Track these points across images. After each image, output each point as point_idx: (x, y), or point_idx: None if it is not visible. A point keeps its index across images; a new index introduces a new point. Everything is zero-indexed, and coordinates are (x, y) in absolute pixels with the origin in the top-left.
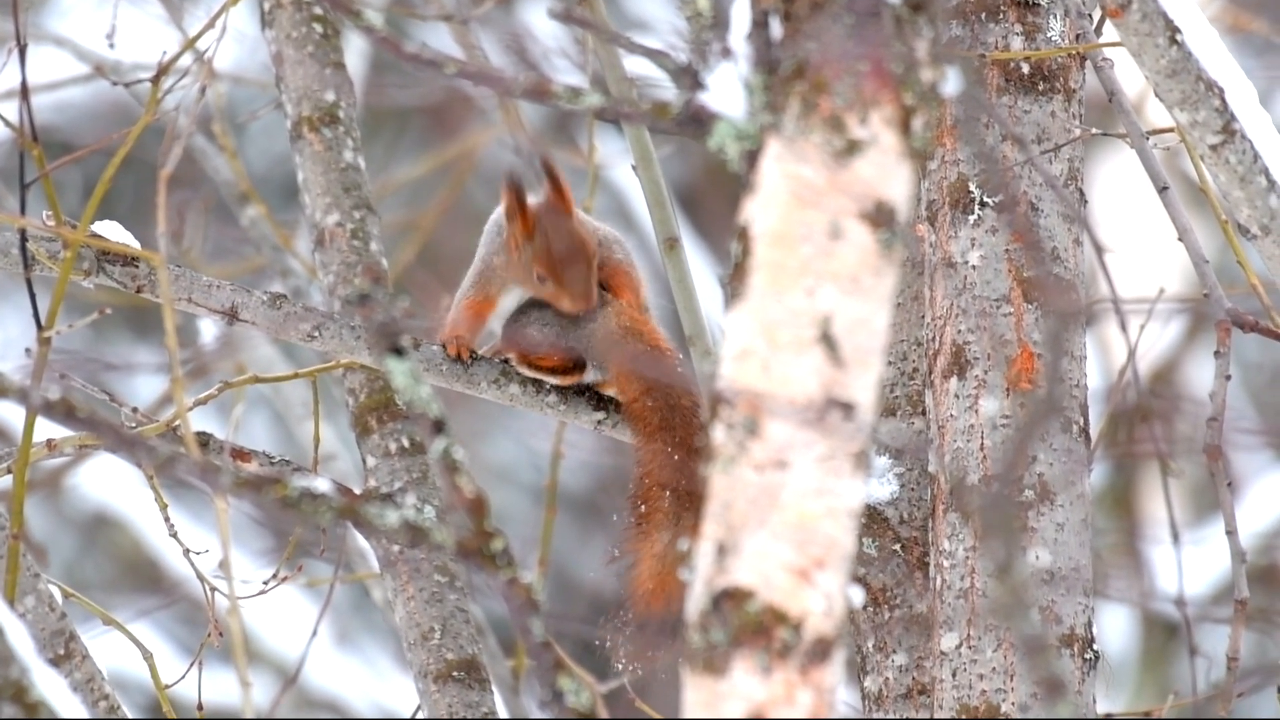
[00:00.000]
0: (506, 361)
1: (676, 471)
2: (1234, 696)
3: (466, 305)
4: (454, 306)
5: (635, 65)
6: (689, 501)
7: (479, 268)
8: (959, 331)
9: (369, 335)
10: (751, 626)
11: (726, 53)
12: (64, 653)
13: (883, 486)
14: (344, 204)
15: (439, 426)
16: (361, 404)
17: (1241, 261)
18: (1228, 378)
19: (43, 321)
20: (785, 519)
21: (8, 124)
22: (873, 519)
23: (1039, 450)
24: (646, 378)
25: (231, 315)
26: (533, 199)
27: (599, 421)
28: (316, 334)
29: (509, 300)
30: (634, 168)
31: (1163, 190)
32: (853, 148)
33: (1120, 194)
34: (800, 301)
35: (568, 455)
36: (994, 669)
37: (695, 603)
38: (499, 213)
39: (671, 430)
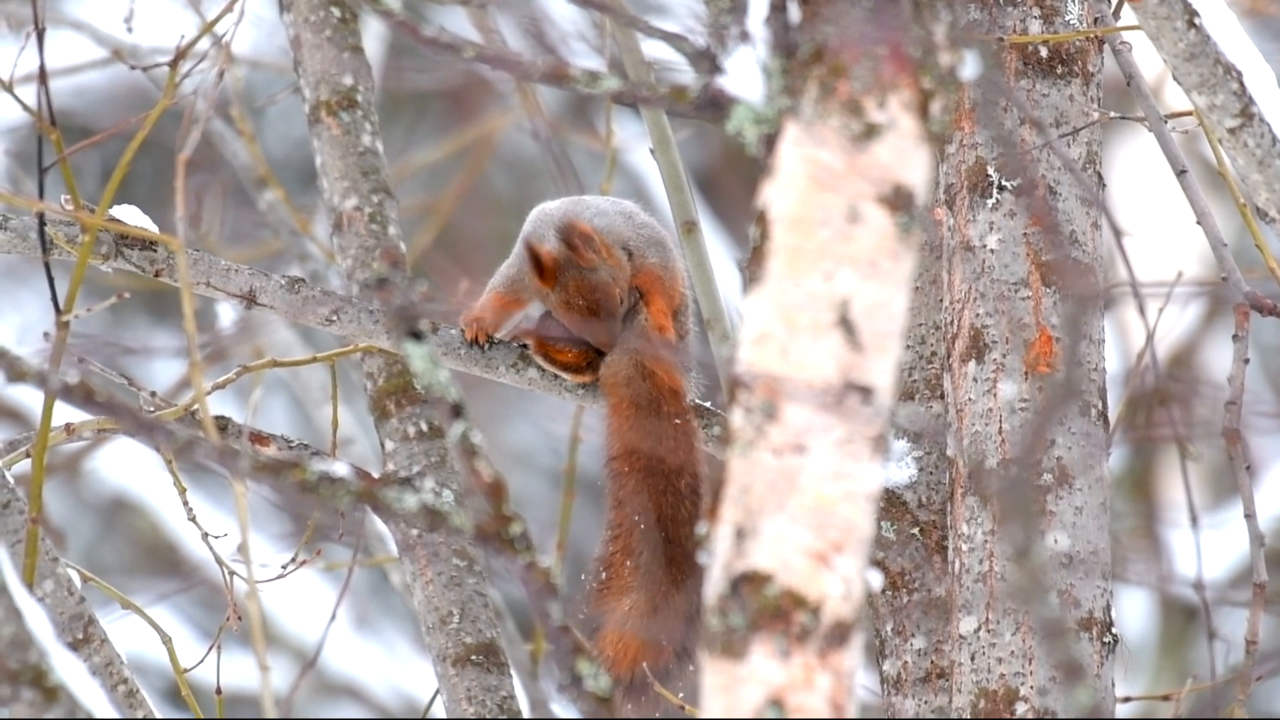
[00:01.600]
0: (525, 347)
1: (643, 540)
2: (1253, 680)
3: (496, 297)
4: (485, 291)
5: (653, 49)
6: (653, 571)
7: (513, 273)
8: (977, 315)
9: (387, 319)
10: (770, 610)
11: (744, 36)
12: (83, 637)
13: (901, 470)
14: (362, 188)
15: (457, 410)
16: (380, 388)
17: (1260, 245)
18: (1246, 361)
19: (61, 305)
20: (803, 503)
21: (26, 108)
22: (891, 503)
23: (1057, 434)
24: (634, 440)
25: (250, 299)
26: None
27: None
28: (335, 318)
29: (538, 307)
30: (652, 151)
31: (1181, 174)
32: (871, 131)
33: (1138, 177)
34: (818, 285)
35: (586, 439)
36: (1012, 652)
37: (713, 587)
38: (537, 214)
39: (645, 495)
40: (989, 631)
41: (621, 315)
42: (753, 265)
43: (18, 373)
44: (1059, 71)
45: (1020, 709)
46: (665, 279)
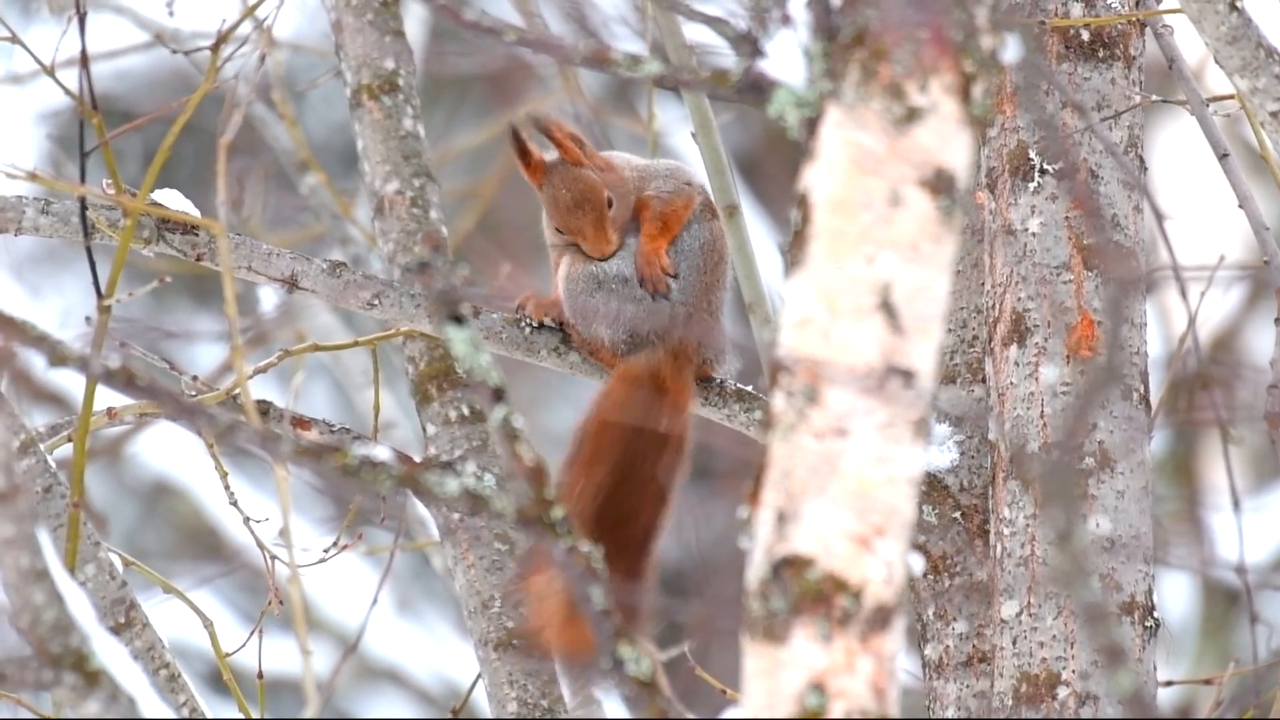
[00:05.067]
0: (565, 333)
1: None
2: None
3: (553, 278)
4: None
5: (695, 32)
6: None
7: (550, 244)
8: (1019, 299)
9: (429, 303)
10: (812, 594)
11: (786, 20)
12: (124, 621)
13: (943, 454)
14: (403, 172)
15: (499, 394)
16: (421, 372)
17: None
18: None
19: (103, 290)
20: (845, 487)
21: (68, 92)
22: (933, 487)
23: (1099, 418)
24: (609, 439)
25: (291, 283)
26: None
27: None
28: (376, 302)
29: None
30: (694, 135)
31: (1223, 157)
32: (912, 115)
33: (1180, 161)
34: (860, 269)
35: None
36: (1054, 637)
37: (755, 570)
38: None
39: (594, 485)
40: (1030, 615)
41: (619, 228)
42: (794, 249)
43: (59, 357)
44: (1100, 55)
45: (1062, 693)
46: (656, 204)
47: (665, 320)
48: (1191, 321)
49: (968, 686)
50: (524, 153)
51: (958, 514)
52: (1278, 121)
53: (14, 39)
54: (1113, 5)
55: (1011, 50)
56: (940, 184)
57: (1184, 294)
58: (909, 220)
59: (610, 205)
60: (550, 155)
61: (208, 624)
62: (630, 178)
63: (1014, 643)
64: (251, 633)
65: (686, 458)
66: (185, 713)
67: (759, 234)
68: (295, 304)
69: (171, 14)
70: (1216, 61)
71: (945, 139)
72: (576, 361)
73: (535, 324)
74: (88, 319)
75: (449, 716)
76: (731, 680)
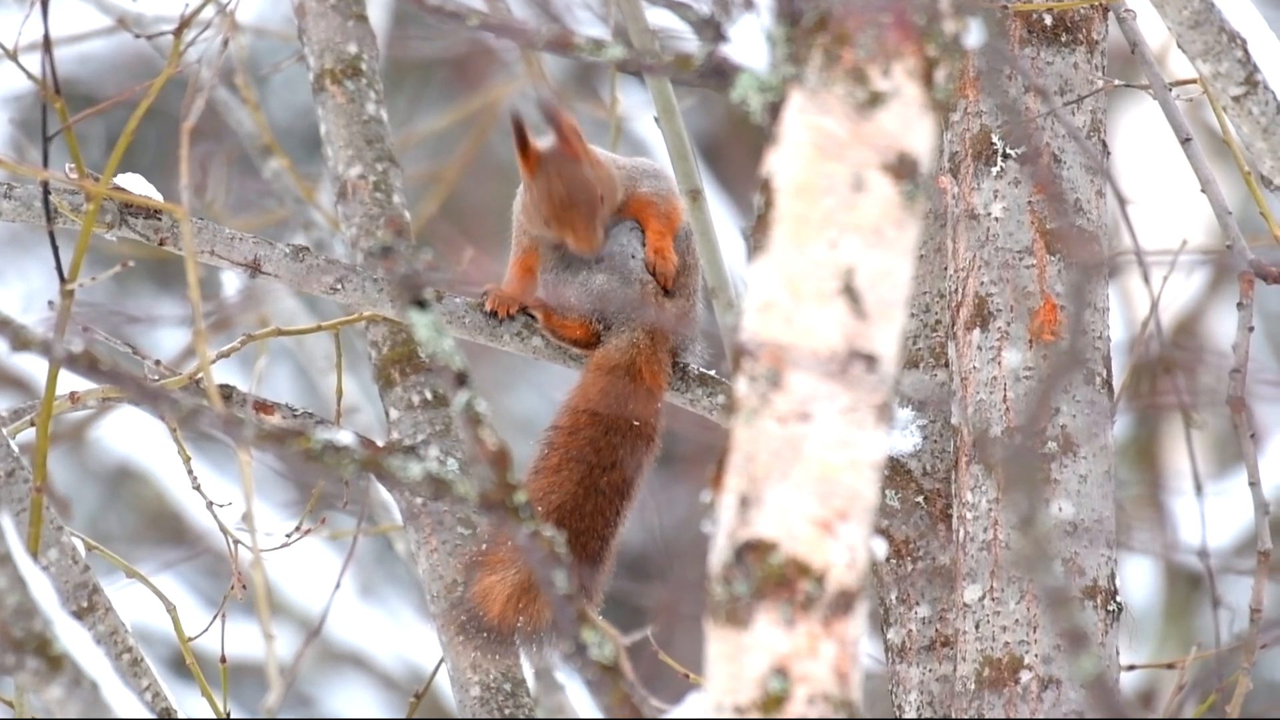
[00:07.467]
0: (533, 317)
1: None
2: (1257, 648)
3: (513, 264)
4: (508, 269)
5: (658, 17)
6: None
7: (513, 224)
8: (981, 283)
9: (392, 288)
10: (774, 579)
11: (749, 4)
12: (87, 605)
13: (906, 438)
14: (367, 156)
15: (462, 379)
16: (384, 356)
17: (1264, 213)
18: (1250, 329)
19: (65, 274)
20: (808, 471)
21: (30, 76)
22: (896, 471)
23: (1062, 402)
24: (584, 422)
25: (254, 268)
26: (546, 142)
27: None
28: (339, 286)
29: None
30: (656, 120)
31: (1185, 141)
32: (875, 99)
33: (1143, 145)
34: (823, 253)
35: None
36: (1017, 621)
37: (718, 555)
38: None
39: (568, 475)
40: (993, 600)
41: (603, 224)
42: (757, 233)
43: (22, 341)
44: (1063, 39)
45: (1024, 677)
46: (660, 204)
47: (647, 305)
48: (1154, 306)
49: (930, 670)
50: (524, 142)
51: (921, 498)
52: (1240, 106)
53: None
54: None
55: (974, 35)
56: (903, 169)
57: (1146, 278)
58: (872, 205)
59: (602, 202)
60: (544, 145)
61: (170, 608)
62: (618, 175)
63: (977, 627)
64: (214, 617)
65: (655, 447)
66: (148, 697)
67: (722, 219)
68: (258, 289)
69: None
70: (1179, 46)
71: (908, 123)
72: (539, 346)
73: (499, 319)
74: (50, 303)
75: (412, 706)
76: (695, 664)
